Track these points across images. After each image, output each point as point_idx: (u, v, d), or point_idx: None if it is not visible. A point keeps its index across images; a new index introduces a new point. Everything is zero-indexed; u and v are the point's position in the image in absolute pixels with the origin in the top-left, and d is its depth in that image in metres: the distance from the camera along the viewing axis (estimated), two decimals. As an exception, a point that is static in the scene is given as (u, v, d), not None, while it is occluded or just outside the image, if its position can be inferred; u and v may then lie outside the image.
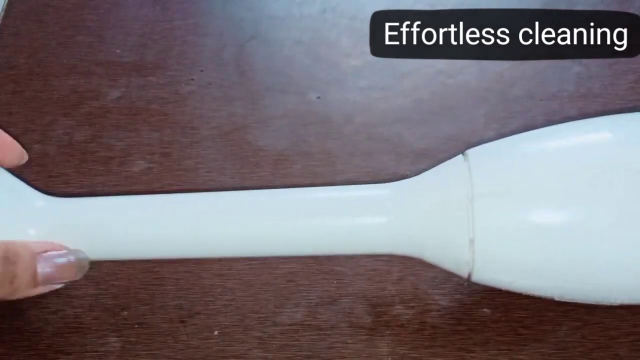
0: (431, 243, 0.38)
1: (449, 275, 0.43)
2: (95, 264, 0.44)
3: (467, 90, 0.51)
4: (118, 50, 0.55)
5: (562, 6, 0.55)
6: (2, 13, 0.58)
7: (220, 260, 0.44)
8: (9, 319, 0.42)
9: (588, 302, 0.38)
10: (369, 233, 0.38)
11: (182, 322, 0.42)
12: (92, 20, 0.57)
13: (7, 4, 0.58)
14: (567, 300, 0.38)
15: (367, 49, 0.53)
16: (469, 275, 0.37)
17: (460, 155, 0.38)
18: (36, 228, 0.39)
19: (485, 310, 0.41)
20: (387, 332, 0.41)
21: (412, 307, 0.42)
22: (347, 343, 0.41)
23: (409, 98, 0.51)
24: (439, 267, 0.39)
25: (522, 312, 0.41)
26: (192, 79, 0.53)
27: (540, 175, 0.36)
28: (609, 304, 0.38)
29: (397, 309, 0.42)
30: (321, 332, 0.41)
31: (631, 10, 0.54)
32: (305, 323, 0.41)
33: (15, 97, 0.53)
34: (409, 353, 0.40)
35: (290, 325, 0.41)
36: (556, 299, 0.38)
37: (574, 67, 0.52)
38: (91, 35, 0.56)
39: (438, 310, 0.41)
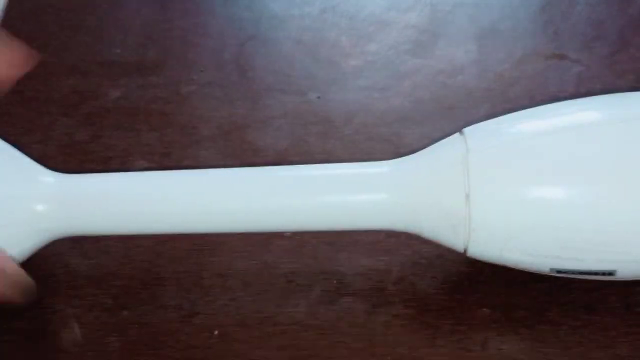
0: (428, 208, 0.38)
1: (449, 275, 0.43)
2: (96, 264, 0.44)
3: (467, 90, 0.51)
4: (118, 50, 0.55)
5: (563, 6, 0.55)
6: (2, 13, 0.58)
7: (220, 260, 0.44)
8: (9, 319, 0.42)
9: (582, 274, 0.38)
10: (368, 208, 0.39)
11: (182, 322, 0.42)
12: (92, 20, 0.57)
13: (7, 4, 0.58)
14: (561, 273, 0.38)
15: (367, 49, 0.54)
16: (466, 246, 0.38)
17: (457, 133, 0.39)
18: (44, 203, 0.39)
19: (485, 310, 0.41)
20: (387, 332, 0.41)
21: (412, 307, 0.42)
22: (347, 343, 0.41)
23: (409, 98, 0.51)
24: (436, 242, 0.39)
25: (522, 312, 0.41)
26: (192, 79, 0.53)
27: (537, 141, 0.37)
28: (606, 273, 0.38)
29: (397, 309, 0.42)
30: (321, 332, 0.41)
31: (631, 11, 0.54)
32: (305, 323, 0.41)
33: (15, 97, 0.53)
34: (409, 353, 0.40)
35: (290, 325, 0.41)
36: (552, 272, 0.38)
37: (574, 67, 0.52)
38: (91, 35, 0.56)
39: (438, 310, 0.41)
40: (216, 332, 0.41)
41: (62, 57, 0.55)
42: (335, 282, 0.43)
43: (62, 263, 0.44)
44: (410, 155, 0.40)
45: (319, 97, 0.51)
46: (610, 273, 0.38)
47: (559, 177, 0.37)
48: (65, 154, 0.49)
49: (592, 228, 0.36)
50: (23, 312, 0.42)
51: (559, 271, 0.38)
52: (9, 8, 0.57)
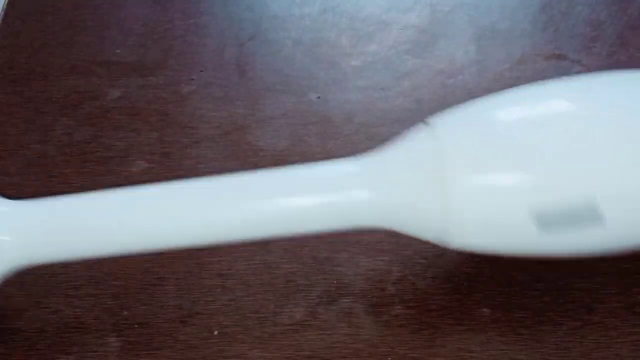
0: (407, 207, 0.38)
1: (449, 275, 0.43)
2: (96, 264, 0.44)
3: (467, 90, 0.51)
4: (118, 50, 0.55)
5: (563, 6, 0.55)
6: (2, 13, 0.58)
7: (220, 260, 0.44)
8: (9, 319, 0.42)
9: (562, 257, 0.39)
10: (346, 208, 0.38)
11: (182, 322, 0.42)
12: (92, 20, 0.57)
13: (7, 4, 0.58)
14: (546, 257, 0.39)
15: (367, 49, 0.54)
16: (449, 239, 0.38)
17: (422, 123, 0.39)
18: (7, 234, 0.38)
19: (485, 310, 0.41)
20: (387, 332, 0.41)
21: (412, 307, 0.42)
22: (347, 343, 0.41)
23: (409, 98, 0.51)
24: (417, 237, 0.39)
25: (522, 312, 0.41)
26: (192, 79, 0.53)
27: (506, 127, 0.37)
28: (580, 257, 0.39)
29: (397, 309, 0.42)
30: (321, 332, 0.41)
31: (631, 11, 0.54)
32: (305, 323, 0.41)
33: (15, 97, 0.53)
34: (409, 353, 0.40)
35: (290, 325, 0.41)
36: (529, 256, 0.39)
37: (574, 67, 0.52)
38: (91, 35, 0.56)
39: (438, 310, 0.41)
40: (216, 332, 0.41)
41: (62, 57, 0.55)
42: (335, 282, 0.43)
43: (62, 263, 0.44)
44: (380, 151, 0.40)
45: (319, 97, 0.51)
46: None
47: (533, 162, 0.37)
48: (65, 154, 0.49)
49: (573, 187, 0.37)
50: (23, 312, 0.42)
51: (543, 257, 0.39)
52: (9, 8, 0.57)
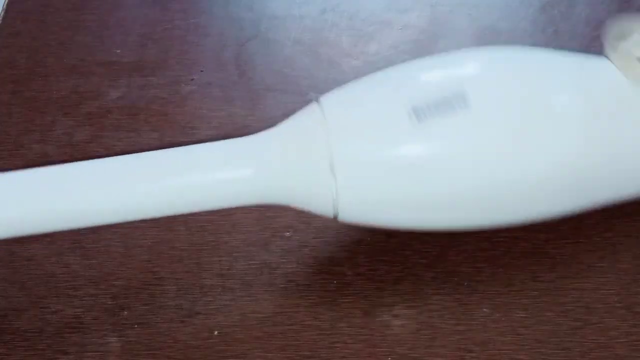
0: (295, 180, 0.39)
1: (448, 275, 0.43)
2: (96, 264, 0.44)
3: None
4: (118, 50, 0.55)
5: (562, 7, 0.55)
6: (2, 13, 0.58)
7: (220, 260, 0.44)
8: (9, 319, 0.42)
9: (450, 230, 0.40)
10: (234, 186, 0.39)
11: (182, 322, 0.42)
12: (92, 20, 0.57)
13: (7, 4, 0.58)
14: (430, 230, 0.40)
15: (367, 49, 0.53)
16: (336, 213, 0.38)
17: (314, 102, 0.40)
18: None
19: (485, 310, 0.41)
20: (387, 332, 0.41)
21: (412, 307, 0.42)
22: (347, 343, 0.41)
23: (409, 98, 0.51)
24: (307, 211, 0.39)
25: (522, 312, 0.41)
26: (192, 79, 0.53)
27: (392, 106, 0.38)
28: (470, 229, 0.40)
29: (397, 308, 0.42)
30: (321, 332, 0.41)
31: (631, 11, 0.54)
32: (305, 323, 0.41)
33: (15, 97, 0.53)
34: (409, 353, 0.40)
35: (290, 325, 0.41)
36: (417, 229, 0.40)
37: (574, 67, 0.52)
38: (91, 35, 0.56)
39: (438, 310, 0.41)
40: (216, 332, 0.41)
41: (62, 57, 0.55)
42: (335, 282, 0.43)
43: (62, 263, 0.44)
44: (270, 130, 0.40)
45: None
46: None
47: (417, 140, 0.37)
48: (65, 154, 0.49)
49: (449, 190, 0.38)
50: (23, 312, 0.42)
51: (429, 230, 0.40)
52: (9, 8, 0.57)
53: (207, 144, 0.40)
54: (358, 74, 0.52)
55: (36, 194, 0.39)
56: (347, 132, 0.38)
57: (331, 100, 0.39)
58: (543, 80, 0.39)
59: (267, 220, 0.45)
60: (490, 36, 0.54)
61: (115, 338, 0.41)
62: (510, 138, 0.37)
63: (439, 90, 0.38)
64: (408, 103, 0.37)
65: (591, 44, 0.53)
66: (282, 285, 0.43)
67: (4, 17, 0.57)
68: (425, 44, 0.54)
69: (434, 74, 0.39)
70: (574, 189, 0.39)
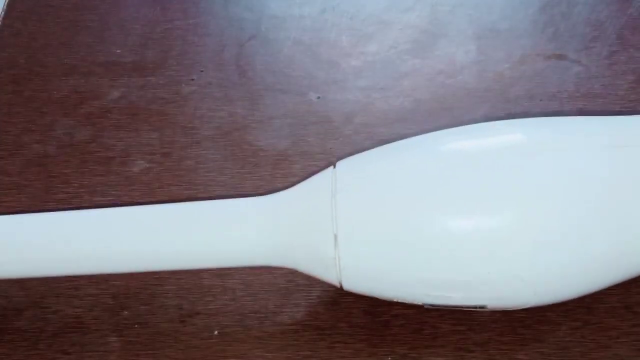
0: (300, 248, 0.38)
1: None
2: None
3: (467, 90, 0.51)
4: (118, 50, 0.55)
5: (562, 6, 0.55)
6: (2, 13, 0.58)
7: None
8: (9, 319, 0.42)
9: (457, 306, 0.38)
10: (239, 246, 0.38)
11: (182, 322, 0.42)
12: (92, 20, 0.57)
13: (7, 4, 0.58)
14: (435, 307, 0.38)
15: (367, 49, 0.53)
16: (340, 283, 0.38)
17: (331, 167, 0.39)
18: None
19: (484, 310, 0.41)
20: (387, 332, 0.41)
21: (412, 307, 0.42)
22: (347, 343, 0.41)
23: (409, 98, 0.51)
24: (313, 277, 0.39)
25: (522, 312, 0.41)
26: (192, 79, 0.53)
27: (404, 178, 0.37)
28: (477, 307, 0.38)
29: (397, 309, 0.42)
30: (321, 332, 0.41)
31: (631, 11, 0.54)
32: (305, 323, 0.41)
33: (15, 97, 0.53)
34: (409, 353, 0.40)
35: (290, 325, 0.41)
36: (426, 306, 0.38)
37: (574, 67, 0.52)
38: (91, 35, 0.56)
39: (438, 310, 0.41)
40: (216, 332, 0.41)
41: (62, 57, 0.55)
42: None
43: None
44: (283, 192, 0.39)
45: (319, 97, 0.51)
46: (482, 307, 0.38)
47: (422, 219, 0.36)
48: (65, 154, 0.49)
49: (456, 269, 0.36)
50: (23, 312, 0.42)
51: (432, 305, 0.38)
52: (9, 8, 0.57)
53: (217, 201, 0.40)
54: (358, 74, 0.52)
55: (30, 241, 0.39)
56: (356, 207, 0.37)
57: (346, 168, 0.38)
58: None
59: (267, 220, 0.45)
60: (490, 36, 0.54)
61: (115, 338, 0.41)
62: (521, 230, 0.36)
63: (461, 188, 0.36)
64: (424, 194, 0.36)
65: (591, 44, 0.53)
66: (282, 286, 0.43)
67: (4, 17, 0.57)
68: (425, 44, 0.54)
69: (463, 169, 0.37)
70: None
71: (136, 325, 0.42)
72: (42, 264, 0.39)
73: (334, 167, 0.39)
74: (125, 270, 0.40)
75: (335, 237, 0.36)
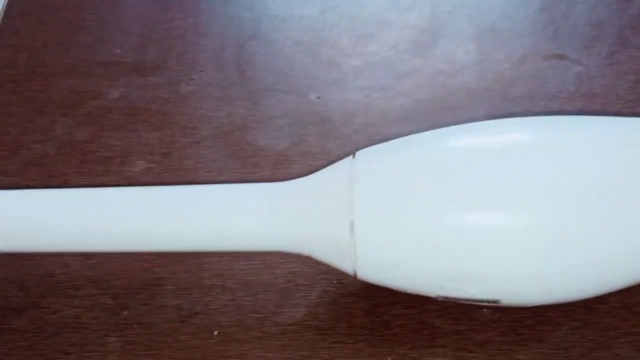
0: (316, 235, 0.38)
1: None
2: (96, 264, 0.44)
3: (467, 90, 0.51)
4: (118, 50, 0.55)
5: (562, 7, 0.55)
6: (2, 13, 0.58)
7: (220, 260, 0.44)
8: (8, 319, 0.42)
9: (469, 302, 0.38)
10: (255, 230, 0.38)
11: (182, 322, 0.42)
12: (92, 20, 0.57)
13: (7, 4, 0.58)
14: (448, 300, 0.38)
15: (367, 49, 0.53)
16: (354, 272, 0.38)
17: (350, 156, 0.39)
18: None
19: (485, 310, 0.41)
20: (387, 332, 0.41)
21: (412, 307, 0.42)
22: (347, 343, 0.41)
23: (409, 98, 0.51)
24: (327, 264, 0.39)
25: (522, 312, 0.41)
26: (192, 79, 0.53)
27: (422, 173, 0.37)
28: (490, 302, 0.38)
29: (397, 309, 0.42)
30: (321, 332, 0.41)
31: (631, 11, 0.54)
32: (305, 323, 0.41)
33: (15, 97, 0.53)
34: (409, 353, 0.40)
35: (290, 325, 0.41)
36: (439, 298, 0.38)
37: (574, 67, 0.52)
38: (91, 35, 0.56)
39: (438, 310, 0.41)
40: (216, 332, 0.41)
41: (62, 57, 0.55)
42: (335, 282, 0.43)
43: (62, 263, 0.44)
44: (302, 179, 0.40)
45: (319, 97, 0.51)
46: (495, 301, 0.38)
47: (440, 210, 0.36)
48: (65, 154, 0.49)
49: (472, 262, 0.36)
50: (23, 312, 0.42)
51: (445, 298, 0.38)
52: (9, 8, 0.57)
53: (235, 185, 0.40)
54: (358, 74, 0.52)
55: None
56: (373, 196, 0.37)
57: (366, 158, 0.38)
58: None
59: (267, 220, 0.45)
60: (490, 36, 0.54)
61: (115, 338, 0.41)
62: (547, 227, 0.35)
63: (479, 177, 0.36)
64: (443, 187, 0.36)
65: (591, 44, 0.53)
66: (282, 286, 0.43)
67: (4, 17, 0.57)
68: (425, 44, 0.54)
69: (482, 162, 0.37)
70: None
71: (136, 325, 0.42)
72: (62, 240, 0.39)
73: (354, 156, 0.38)
74: (141, 250, 0.40)
75: (352, 225, 0.36)
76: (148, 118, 0.51)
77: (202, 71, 0.53)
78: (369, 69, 0.53)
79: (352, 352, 0.40)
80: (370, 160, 0.38)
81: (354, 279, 0.38)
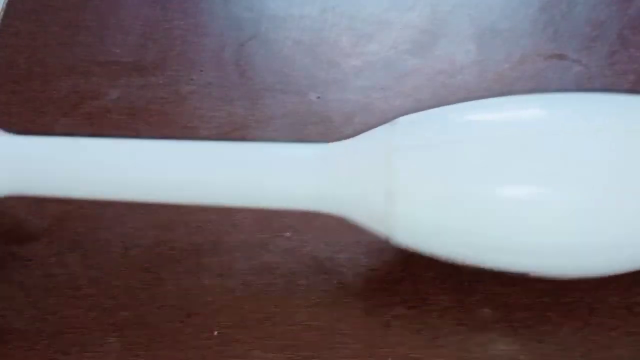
0: (353, 199, 0.38)
1: (448, 275, 0.43)
2: (96, 264, 0.44)
3: (467, 90, 0.51)
4: (118, 50, 0.55)
5: (563, 6, 0.55)
6: (2, 13, 0.58)
7: (220, 260, 0.44)
8: (9, 319, 0.42)
9: (501, 270, 0.39)
10: (293, 190, 0.39)
11: (182, 322, 0.42)
12: (92, 20, 0.57)
13: (7, 4, 0.58)
14: (478, 267, 0.39)
15: (367, 49, 0.53)
16: (388, 237, 0.38)
17: (389, 123, 0.39)
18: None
19: (485, 310, 0.41)
20: (387, 332, 0.41)
21: (412, 307, 0.42)
22: (347, 343, 0.41)
23: (409, 98, 0.51)
24: (361, 227, 0.39)
25: (522, 312, 0.41)
26: (192, 79, 0.53)
27: (460, 137, 0.37)
28: (522, 274, 0.39)
29: (397, 309, 0.42)
30: (321, 333, 0.41)
31: (631, 11, 0.54)
32: (305, 323, 0.41)
33: (15, 97, 0.53)
34: (409, 353, 0.40)
35: (290, 325, 0.41)
36: (470, 267, 0.39)
37: (574, 67, 0.52)
38: (91, 35, 0.56)
39: (438, 310, 0.41)
40: (216, 332, 0.41)
41: (62, 57, 0.54)
42: (335, 282, 0.43)
43: (62, 263, 0.44)
44: (343, 142, 0.40)
45: (319, 97, 0.51)
46: (524, 274, 0.38)
47: (478, 182, 0.36)
48: (65, 154, 0.49)
49: (505, 235, 0.36)
50: (23, 312, 0.42)
51: (476, 266, 0.39)
52: (8, 8, 0.57)
53: (277, 143, 0.41)
54: (358, 74, 0.52)
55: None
56: (413, 163, 0.37)
57: (407, 125, 0.39)
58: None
59: (267, 220, 0.45)
60: (490, 36, 0.54)
61: (115, 338, 0.41)
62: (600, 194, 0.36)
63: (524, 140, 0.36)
64: (482, 158, 0.36)
65: (591, 44, 0.53)
66: (282, 286, 0.43)
67: (4, 17, 0.57)
68: (425, 44, 0.54)
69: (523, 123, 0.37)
70: None
71: (136, 325, 0.42)
72: (106, 187, 0.41)
73: (394, 122, 0.39)
74: (181, 201, 0.41)
75: (390, 191, 0.37)
76: (148, 118, 0.51)
77: (202, 71, 0.53)
78: (369, 69, 0.53)
79: (352, 352, 0.40)
80: (410, 128, 0.38)
81: (386, 243, 0.39)
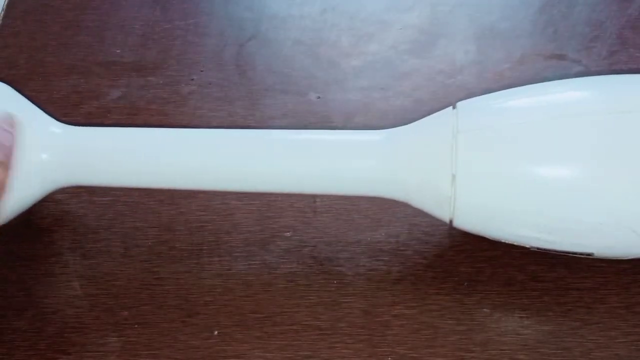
0: (416, 182, 0.39)
1: (448, 275, 0.43)
2: (96, 264, 0.44)
3: (467, 90, 0.51)
4: (118, 50, 0.55)
5: (562, 6, 0.55)
6: (2, 13, 0.58)
7: (220, 260, 0.44)
8: (9, 319, 0.42)
9: (563, 252, 0.39)
10: (358, 175, 0.40)
11: (182, 322, 0.42)
12: (92, 20, 0.57)
13: (7, 4, 0.58)
14: (543, 250, 0.39)
15: (367, 49, 0.53)
16: (451, 218, 0.38)
17: (450, 107, 0.40)
18: (49, 153, 0.41)
19: (485, 310, 0.41)
20: (387, 332, 0.41)
21: (412, 307, 0.42)
22: (347, 343, 0.41)
23: (409, 98, 0.51)
24: (423, 211, 0.40)
25: (522, 312, 0.41)
26: (192, 79, 0.53)
27: (524, 119, 0.37)
28: (584, 254, 0.39)
29: (397, 308, 0.42)
30: (321, 332, 0.41)
31: (631, 11, 0.54)
32: (305, 323, 0.41)
33: (15, 97, 0.53)
34: (409, 353, 0.40)
35: (290, 325, 0.41)
36: (532, 249, 0.39)
37: (574, 67, 0.52)
38: (91, 35, 0.56)
39: (438, 310, 0.41)
40: (216, 332, 0.41)
41: (62, 57, 0.55)
42: (335, 282, 0.43)
43: (62, 263, 0.44)
44: (405, 127, 0.40)
45: (319, 97, 0.51)
46: (589, 254, 0.39)
47: (544, 164, 0.37)
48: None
49: (569, 217, 0.37)
50: (23, 312, 0.42)
51: (539, 249, 0.39)
52: (9, 8, 0.57)
53: (342, 131, 0.41)
54: (358, 74, 0.52)
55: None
56: (476, 148, 0.37)
57: (468, 110, 0.39)
58: None
59: (267, 220, 0.45)
60: (490, 36, 0.54)
61: (115, 338, 0.41)
62: None
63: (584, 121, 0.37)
64: (544, 141, 0.37)
65: (591, 44, 0.53)
66: (282, 285, 0.43)
67: (4, 17, 0.57)
68: (425, 44, 0.54)
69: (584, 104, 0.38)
70: None
71: (136, 325, 0.42)
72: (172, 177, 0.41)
73: (454, 107, 0.39)
74: (252, 189, 0.42)
75: (453, 176, 0.37)
76: (148, 118, 0.51)
77: (202, 71, 0.53)
78: (369, 69, 0.53)
79: (352, 352, 0.40)
80: (473, 112, 0.39)
81: (449, 227, 0.39)
